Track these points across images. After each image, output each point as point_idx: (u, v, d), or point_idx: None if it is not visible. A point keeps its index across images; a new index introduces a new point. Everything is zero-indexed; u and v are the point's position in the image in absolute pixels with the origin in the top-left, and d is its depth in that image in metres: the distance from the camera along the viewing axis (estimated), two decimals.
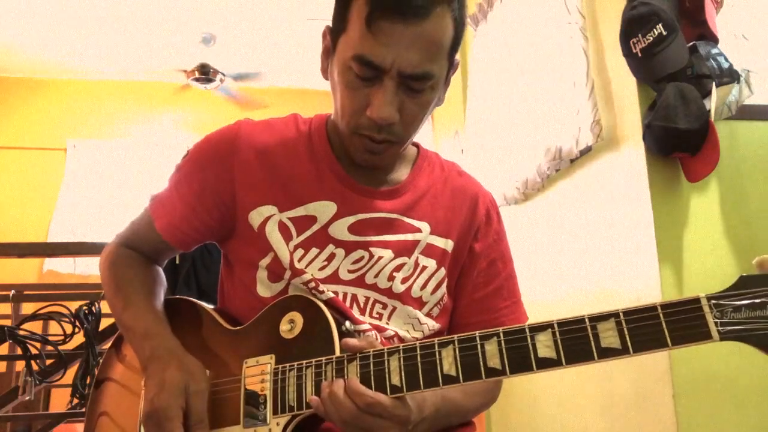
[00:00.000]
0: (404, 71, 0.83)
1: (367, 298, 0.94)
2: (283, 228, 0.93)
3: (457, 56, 0.92)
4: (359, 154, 0.92)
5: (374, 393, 0.76)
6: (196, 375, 0.87)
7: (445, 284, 0.98)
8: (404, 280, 0.95)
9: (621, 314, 0.68)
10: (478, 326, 0.98)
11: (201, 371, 0.88)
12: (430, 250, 0.97)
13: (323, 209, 0.94)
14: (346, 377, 0.78)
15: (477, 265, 1.01)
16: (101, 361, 1.07)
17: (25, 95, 5.05)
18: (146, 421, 0.85)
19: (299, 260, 0.92)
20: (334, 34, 0.89)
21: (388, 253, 0.94)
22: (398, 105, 0.86)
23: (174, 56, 4.74)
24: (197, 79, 4.74)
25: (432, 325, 0.97)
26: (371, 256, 0.94)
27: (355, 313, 0.92)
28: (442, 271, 0.98)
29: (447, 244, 0.98)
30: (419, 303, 0.96)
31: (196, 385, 0.86)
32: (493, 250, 1.03)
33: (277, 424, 0.81)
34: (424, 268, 0.97)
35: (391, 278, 0.94)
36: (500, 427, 2.54)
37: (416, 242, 0.96)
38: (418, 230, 0.97)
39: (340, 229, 0.94)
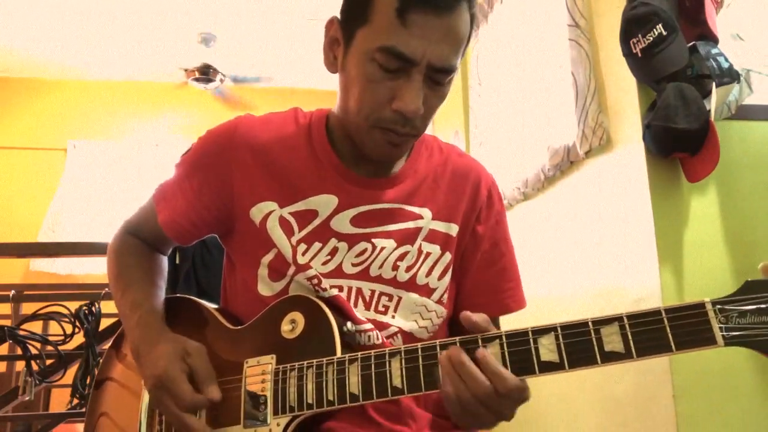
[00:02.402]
0: (434, 64, 0.83)
1: (373, 291, 0.93)
2: (284, 223, 0.93)
3: None
4: (379, 149, 0.90)
5: (515, 378, 0.72)
6: (189, 341, 0.89)
7: (452, 269, 0.98)
8: (408, 269, 0.95)
9: (625, 318, 0.67)
10: (484, 308, 0.98)
11: (192, 340, 0.89)
12: (433, 236, 0.97)
13: (324, 203, 0.94)
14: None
15: (480, 247, 1.01)
16: (101, 360, 1.07)
17: (25, 95, 5.03)
18: (154, 392, 0.85)
19: (302, 255, 0.92)
20: (350, 25, 0.87)
21: (390, 243, 0.94)
22: (423, 98, 0.85)
23: (174, 56, 4.73)
24: (197, 79, 4.74)
25: (441, 311, 0.97)
26: (374, 247, 0.93)
27: (360, 308, 0.92)
28: (448, 256, 0.98)
29: (450, 228, 0.98)
30: (427, 290, 0.96)
31: (192, 347, 0.88)
32: (495, 231, 1.03)
33: (278, 424, 0.81)
34: (428, 254, 0.96)
35: (395, 267, 0.94)
36: (500, 427, 2.54)
37: (418, 229, 0.96)
38: (420, 217, 0.96)
39: (342, 223, 0.93)
